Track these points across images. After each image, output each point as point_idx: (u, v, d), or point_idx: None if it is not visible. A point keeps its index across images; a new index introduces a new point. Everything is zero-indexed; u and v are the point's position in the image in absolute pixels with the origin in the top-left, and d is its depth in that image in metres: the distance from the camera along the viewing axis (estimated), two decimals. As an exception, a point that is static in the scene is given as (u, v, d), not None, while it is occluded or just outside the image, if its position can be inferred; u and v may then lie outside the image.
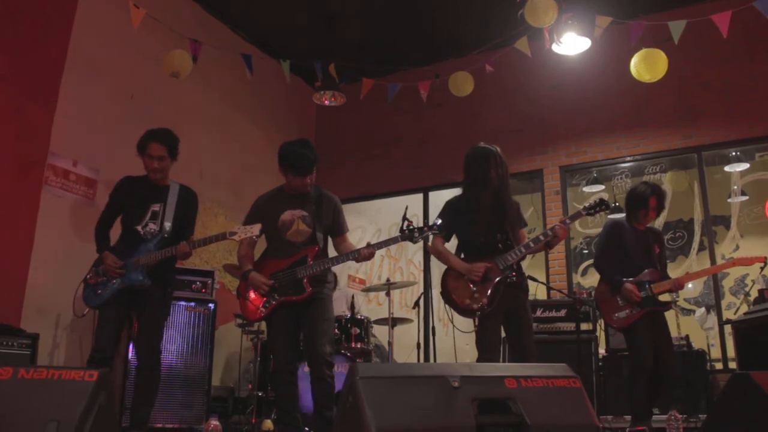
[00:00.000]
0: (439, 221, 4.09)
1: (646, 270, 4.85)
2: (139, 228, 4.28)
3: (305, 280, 4.09)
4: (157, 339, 4.25)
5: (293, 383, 4.25)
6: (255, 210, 4.43)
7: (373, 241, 4.19)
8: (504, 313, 4.17)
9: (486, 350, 4.15)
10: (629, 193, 5.07)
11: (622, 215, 5.18)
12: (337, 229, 4.40)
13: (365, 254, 4.12)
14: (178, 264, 5.90)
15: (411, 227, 4.04)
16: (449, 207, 4.40)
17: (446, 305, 4.26)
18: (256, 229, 4.09)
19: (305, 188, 4.30)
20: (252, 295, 4.22)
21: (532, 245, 4.15)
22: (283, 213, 4.28)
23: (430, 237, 4.29)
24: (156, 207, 4.34)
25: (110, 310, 4.15)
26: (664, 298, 4.96)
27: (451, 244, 4.44)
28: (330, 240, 4.45)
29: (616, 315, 4.80)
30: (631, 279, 4.78)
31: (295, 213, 4.28)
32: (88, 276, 4.26)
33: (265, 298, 4.16)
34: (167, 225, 4.28)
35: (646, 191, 4.91)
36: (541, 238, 4.15)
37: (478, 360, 4.18)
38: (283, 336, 4.18)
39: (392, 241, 4.13)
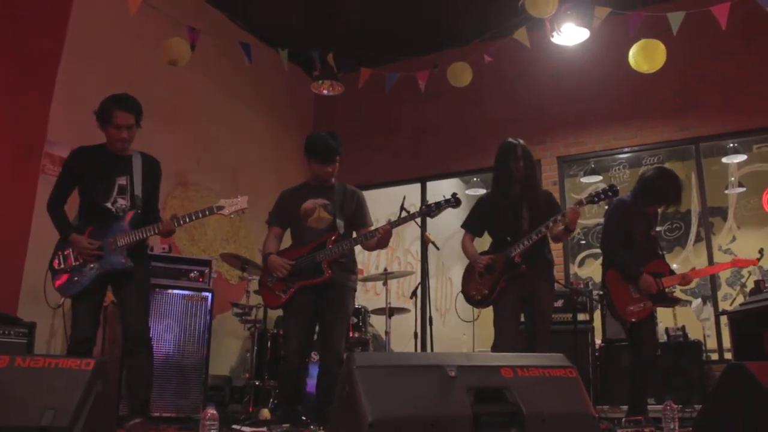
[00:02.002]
0: (457, 193, 4.14)
1: (654, 261, 4.72)
2: (109, 205, 3.93)
3: (324, 264, 4.11)
4: (145, 318, 4.01)
5: (300, 374, 4.26)
6: (279, 201, 4.53)
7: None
8: (521, 302, 4.30)
9: (499, 335, 4.28)
10: (653, 180, 4.76)
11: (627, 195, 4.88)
12: (360, 220, 4.43)
13: (383, 232, 4.09)
14: (174, 252, 5.88)
15: (428, 203, 4.09)
16: (479, 204, 4.56)
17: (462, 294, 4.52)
18: (244, 201, 3.98)
19: (328, 177, 4.36)
20: (272, 281, 4.25)
21: (534, 237, 4.20)
22: (306, 201, 4.35)
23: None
24: (122, 180, 3.98)
25: (87, 297, 3.85)
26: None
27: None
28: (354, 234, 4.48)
29: (630, 308, 4.59)
30: (653, 275, 4.61)
31: (317, 201, 4.34)
32: (55, 263, 3.92)
33: (284, 284, 4.18)
34: (138, 200, 3.96)
35: (670, 188, 4.69)
36: (550, 224, 4.17)
37: (494, 344, 4.30)
38: (299, 324, 4.20)
39: (410, 217, 4.16)
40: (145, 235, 3.90)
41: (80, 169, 4.00)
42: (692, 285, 7.80)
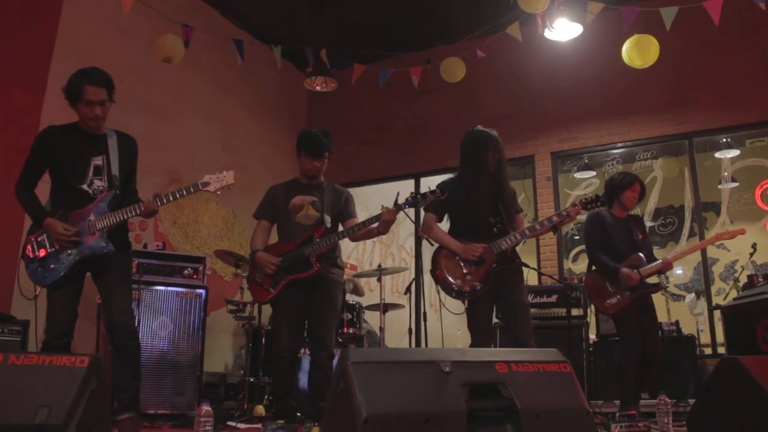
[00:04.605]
0: (441, 184, 4.04)
1: (633, 255, 4.87)
2: (85, 187, 3.68)
3: (312, 258, 4.12)
4: (127, 306, 3.72)
5: (292, 371, 4.26)
6: (268, 196, 4.52)
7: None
8: (496, 297, 4.13)
9: (478, 335, 4.14)
10: (610, 181, 5.13)
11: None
12: (347, 215, 4.44)
13: (386, 215, 3.97)
14: (168, 249, 5.83)
15: (414, 194, 4.01)
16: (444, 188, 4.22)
17: (436, 286, 4.19)
18: (230, 176, 3.79)
19: (316, 172, 4.38)
20: (260, 277, 4.25)
21: (528, 233, 4.11)
22: (294, 197, 4.37)
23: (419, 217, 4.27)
24: (98, 161, 3.72)
25: (64, 286, 3.60)
26: (653, 280, 4.99)
27: (443, 226, 4.40)
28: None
29: (608, 301, 4.82)
30: (631, 266, 4.80)
31: (306, 198, 4.37)
32: (28, 249, 3.64)
33: (272, 279, 4.18)
34: (116, 180, 3.71)
35: (629, 176, 5.03)
36: (555, 218, 4.10)
37: (472, 345, 4.17)
38: (289, 321, 4.19)
39: (397, 208, 4.03)
40: (126, 216, 3.65)
41: (51, 150, 3.73)
42: (686, 279, 7.87)
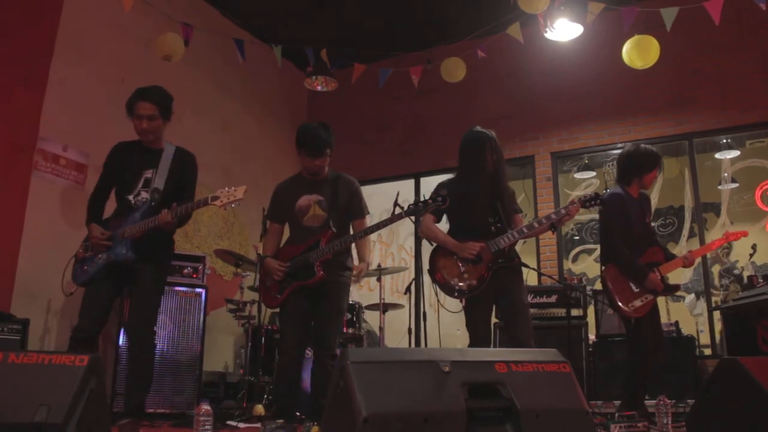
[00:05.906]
0: (444, 191, 3.97)
1: (649, 249, 4.60)
2: (131, 197, 3.96)
3: (317, 264, 4.11)
4: (148, 319, 3.90)
5: (296, 372, 4.26)
6: (274, 198, 4.50)
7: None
8: (495, 296, 4.12)
9: (477, 335, 4.13)
10: (635, 154, 4.68)
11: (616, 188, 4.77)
12: (355, 211, 4.39)
13: (358, 271, 4.14)
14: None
15: (416, 201, 3.97)
16: (442, 189, 4.20)
17: (433, 284, 4.17)
18: (240, 191, 3.87)
19: (318, 170, 4.32)
20: (270, 282, 4.26)
21: (525, 231, 4.07)
22: (300, 198, 4.32)
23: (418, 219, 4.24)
24: (149, 173, 3.99)
25: (97, 287, 3.85)
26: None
27: (442, 226, 4.39)
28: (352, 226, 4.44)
29: (631, 304, 4.46)
30: (650, 265, 4.52)
31: (311, 198, 4.31)
32: (79, 251, 3.99)
33: (280, 285, 4.20)
34: (157, 192, 3.93)
35: (654, 155, 4.63)
36: (553, 216, 4.05)
37: (470, 344, 4.16)
38: (293, 322, 4.20)
39: (397, 218, 4.01)
40: (146, 227, 3.83)
41: (114, 164, 4.08)
42: (686, 280, 7.87)
